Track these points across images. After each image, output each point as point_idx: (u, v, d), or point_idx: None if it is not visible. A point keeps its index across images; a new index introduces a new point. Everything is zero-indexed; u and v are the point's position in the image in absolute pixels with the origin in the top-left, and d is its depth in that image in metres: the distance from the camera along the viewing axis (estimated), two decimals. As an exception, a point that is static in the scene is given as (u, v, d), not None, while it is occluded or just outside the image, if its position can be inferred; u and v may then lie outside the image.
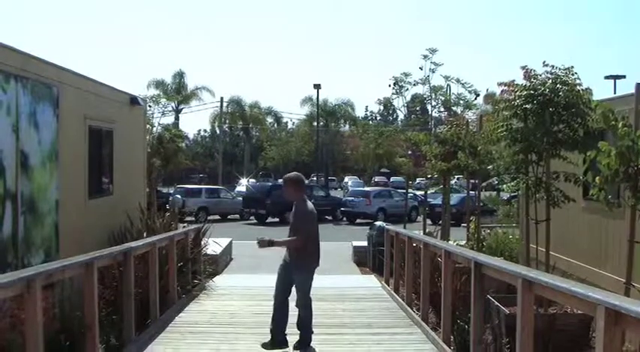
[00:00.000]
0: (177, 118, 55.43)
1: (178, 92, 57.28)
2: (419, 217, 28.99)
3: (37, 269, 5.34)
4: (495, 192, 30.09)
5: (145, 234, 10.92)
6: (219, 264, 14.12)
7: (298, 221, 7.21)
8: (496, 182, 18.75)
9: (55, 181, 8.56)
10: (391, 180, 59.05)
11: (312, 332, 7.31)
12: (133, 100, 12.70)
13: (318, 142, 58.07)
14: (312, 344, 7.25)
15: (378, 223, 16.25)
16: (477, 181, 13.26)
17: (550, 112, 7.49)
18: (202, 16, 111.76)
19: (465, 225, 14.07)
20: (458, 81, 13.72)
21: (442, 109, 15.38)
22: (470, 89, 13.74)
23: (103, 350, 6.97)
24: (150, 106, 32.24)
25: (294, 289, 7.27)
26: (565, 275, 7.72)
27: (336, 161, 72.31)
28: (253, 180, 51.70)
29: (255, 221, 30.86)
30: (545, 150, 7.61)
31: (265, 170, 67.43)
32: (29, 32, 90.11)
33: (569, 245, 10.06)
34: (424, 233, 14.16)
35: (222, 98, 59.29)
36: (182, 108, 58.86)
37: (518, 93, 7.62)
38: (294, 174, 7.47)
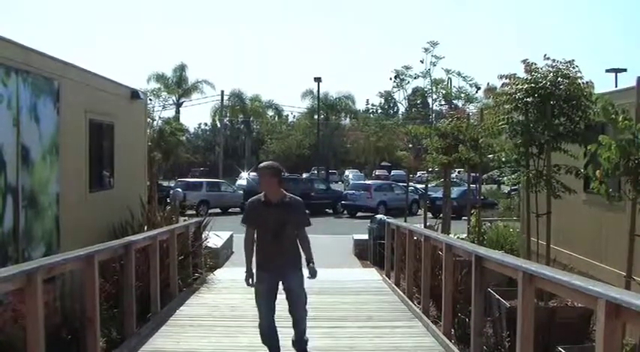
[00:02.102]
0: (177, 112, 55.40)
1: (179, 85, 57.24)
2: (420, 210, 29.01)
3: (38, 263, 5.33)
4: (496, 185, 30.13)
5: (145, 228, 10.93)
6: (220, 257, 14.12)
7: (304, 215, 6.74)
8: (497, 173, 18.73)
9: (56, 175, 8.56)
10: (392, 173, 59.11)
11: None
12: (134, 94, 12.69)
13: (318, 135, 58.03)
14: (313, 337, 7.00)
15: (379, 216, 16.27)
16: (477, 174, 13.25)
17: (551, 105, 7.48)
18: (203, 9, 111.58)
19: (466, 218, 14.08)
20: (459, 74, 13.62)
21: (443, 102, 15.31)
22: (471, 82, 13.67)
23: (104, 344, 6.97)
24: (150, 100, 32.30)
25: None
26: (566, 269, 7.72)
27: (337, 154, 72.24)
28: (254, 174, 51.58)
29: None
30: (546, 142, 7.60)
31: (266, 163, 67.17)
32: (29, 26, 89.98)
33: (570, 238, 10.05)
34: (425, 226, 14.16)
35: (222, 91, 59.28)
36: (183, 102, 58.84)
37: (519, 86, 7.61)
38: (275, 163, 6.75)
